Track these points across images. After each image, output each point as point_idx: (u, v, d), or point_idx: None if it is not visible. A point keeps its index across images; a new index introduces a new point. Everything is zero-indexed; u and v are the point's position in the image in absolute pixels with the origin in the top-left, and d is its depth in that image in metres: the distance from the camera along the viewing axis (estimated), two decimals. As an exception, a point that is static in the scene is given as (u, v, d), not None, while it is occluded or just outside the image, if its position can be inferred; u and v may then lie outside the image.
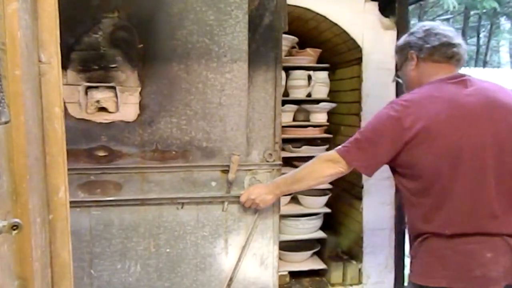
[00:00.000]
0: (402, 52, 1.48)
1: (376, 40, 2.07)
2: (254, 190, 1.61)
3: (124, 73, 1.56)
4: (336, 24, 2.05)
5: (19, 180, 1.04)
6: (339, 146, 1.43)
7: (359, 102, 2.13)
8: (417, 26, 1.47)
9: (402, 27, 2.06)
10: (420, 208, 1.33)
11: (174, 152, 1.62)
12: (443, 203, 1.28)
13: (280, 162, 1.70)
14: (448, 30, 1.41)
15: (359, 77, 2.12)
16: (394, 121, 1.31)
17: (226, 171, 1.65)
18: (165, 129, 1.60)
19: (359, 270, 2.19)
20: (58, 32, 1.18)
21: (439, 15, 15.55)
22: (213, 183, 1.66)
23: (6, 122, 0.92)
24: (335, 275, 2.20)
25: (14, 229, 0.93)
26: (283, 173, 1.65)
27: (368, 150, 1.36)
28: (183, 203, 1.64)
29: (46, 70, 1.16)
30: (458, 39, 1.39)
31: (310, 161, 1.50)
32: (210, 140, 1.63)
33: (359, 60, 2.11)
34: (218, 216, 1.67)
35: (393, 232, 2.15)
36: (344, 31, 2.06)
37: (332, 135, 2.34)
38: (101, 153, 1.58)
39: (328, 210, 2.27)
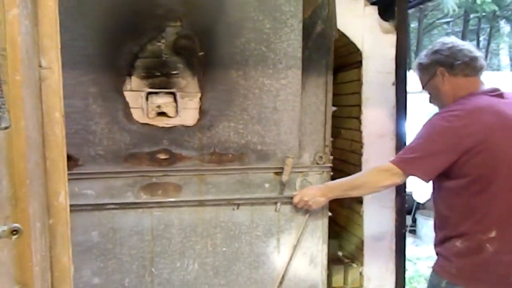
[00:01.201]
0: (428, 69, 1.59)
1: (376, 43, 2.09)
2: (307, 192, 1.68)
3: (184, 79, 1.63)
4: (335, 28, 2.08)
5: (19, 184, 1.04)
6: (393, 158, 1.51)
7: (359, 105, 2.14)
8: (439, 44, 1.59)
9: (401, 31, 2.08)
10: (470, 211, 1.42)
11: (231, 155, 1.69)
12: (492, 207, 1.38)
13: (330, 165, 1.77)
14: (467, 45, 1.55)
15: (359, 81, 2.14)
16: (449, 131, 1.41)
17: (279, 173, 1.72)
18: (223, 133, 1.66)
19: (360, 273, 2.19)
20: (58, 37, 1.14)
21: (439, 18, 15.68)
22: (267, 185, 1.73)
23: (6, 128, 0.90)
24: (336, 278, 2.19)
25: (14, 234, 0.95)
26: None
27: (425, 159, 1.44)
28: (238, 204, 1.71)
29: (46, 75, 1.16)
30: (478, 52, 1.53)
31: (366, 171, 1.58)
32: (265, 144, 1.70)
33: (359, 64, 2.12)
34: (271, 216, 1.74)
35: (394, 235, 2.17)
36: (344, 35, 2.07)
37: (333, 138, 2.36)
38: (163, 156, 1.65)
39: (328, 213, 2.29)
